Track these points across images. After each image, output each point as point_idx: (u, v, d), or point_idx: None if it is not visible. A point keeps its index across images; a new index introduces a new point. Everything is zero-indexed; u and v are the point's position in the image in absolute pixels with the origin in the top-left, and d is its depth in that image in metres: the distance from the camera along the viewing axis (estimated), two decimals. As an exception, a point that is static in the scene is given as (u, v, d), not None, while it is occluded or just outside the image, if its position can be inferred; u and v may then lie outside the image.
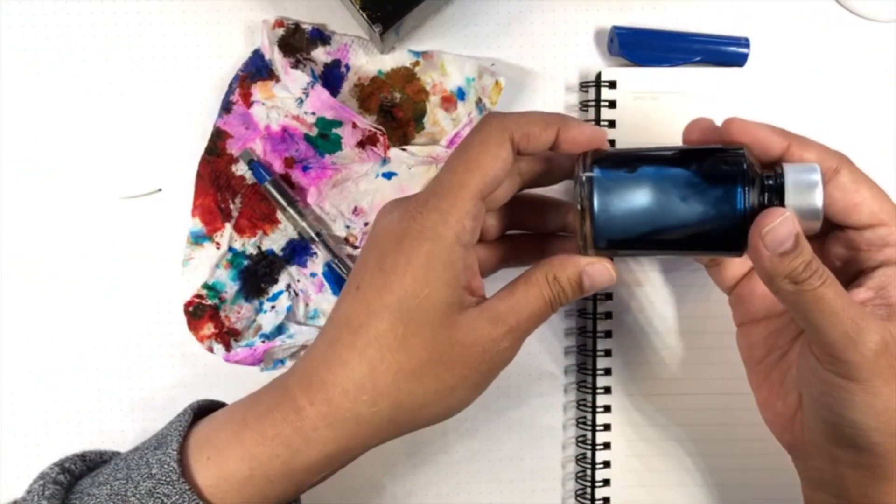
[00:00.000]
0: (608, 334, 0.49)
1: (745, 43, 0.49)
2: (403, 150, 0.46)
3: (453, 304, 0.36)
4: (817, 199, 0.35)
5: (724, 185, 0.36)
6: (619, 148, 0.39)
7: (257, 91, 0.47)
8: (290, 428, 0.36)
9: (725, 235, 0.36)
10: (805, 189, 0.35)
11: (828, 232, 0.40)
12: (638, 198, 0.36)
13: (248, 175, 0.48)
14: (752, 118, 0.49)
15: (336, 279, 0.48)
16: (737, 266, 0.43)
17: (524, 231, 0.44)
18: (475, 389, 0.38)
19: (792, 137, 0.38)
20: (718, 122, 0.49)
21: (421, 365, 0.36)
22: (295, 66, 0.47)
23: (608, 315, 0.49)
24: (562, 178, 0.41)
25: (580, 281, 0.38)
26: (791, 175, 0.36)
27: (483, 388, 0.38)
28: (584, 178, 0.37)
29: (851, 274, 0.39)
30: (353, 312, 0.37)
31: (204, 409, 0.40)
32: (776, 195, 0.36)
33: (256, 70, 0.47)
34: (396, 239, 0.36)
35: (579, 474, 0.50)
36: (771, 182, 0.36)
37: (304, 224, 0.47)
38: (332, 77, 0.48)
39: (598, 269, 0.38)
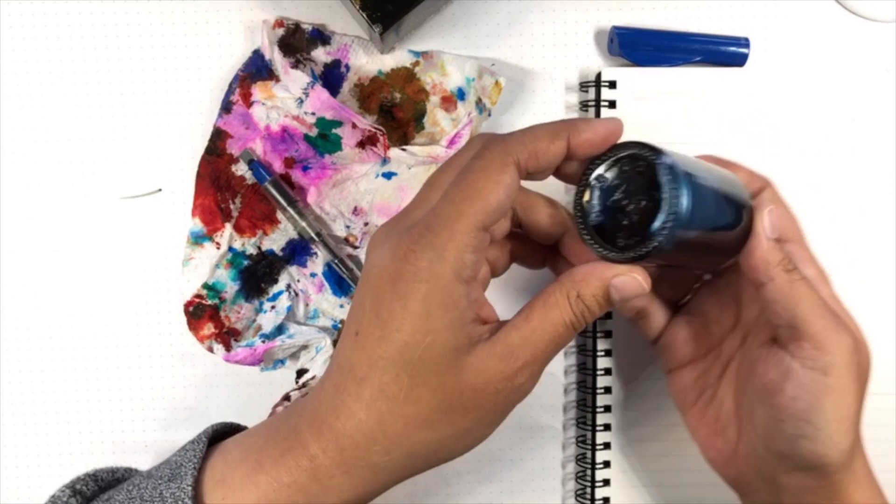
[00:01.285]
0: (608, 334, 0.49)
1: (745, 43, 0.49)
2: (403, 150, 0.46)
3: (459, 348, 0.33)
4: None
5: (740, 204, 0.37)
6: (662, 147, 0.35)
7: (257, 91, 0.47)
8: (306, 475, 0.35)
9: (739, 244, 0.37)
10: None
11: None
12: (706, 209, 0.34)
13: (248, 175, 0.48)
14: (752, 118, 0.49)
15: (336, 279, 0.48)
16: (659, 317, 0.43)
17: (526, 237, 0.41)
18: (492, 427, 0.36)
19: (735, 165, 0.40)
20: (720, 123, 0.49)
21: (430, 413, 0.34)
22: (295, 66, 0.47)
23: (608, 315, 0.49)
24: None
25: (607, 295, 0.35)
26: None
27: (500, 423, 0.36)
28: (662, 167, 0.33)
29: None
30: (356, 361, 0.34)
31: (219, 433, 0.39)
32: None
33: (256, 70, 0.47)
34: (390, 280, 0.33)
35: (579, 474, 0.50)
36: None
37: (304, 224, 0.47)
38: (332, 77, 0.48)
39: (626, 281, 0.35)
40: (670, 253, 0.34)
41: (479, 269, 0.34)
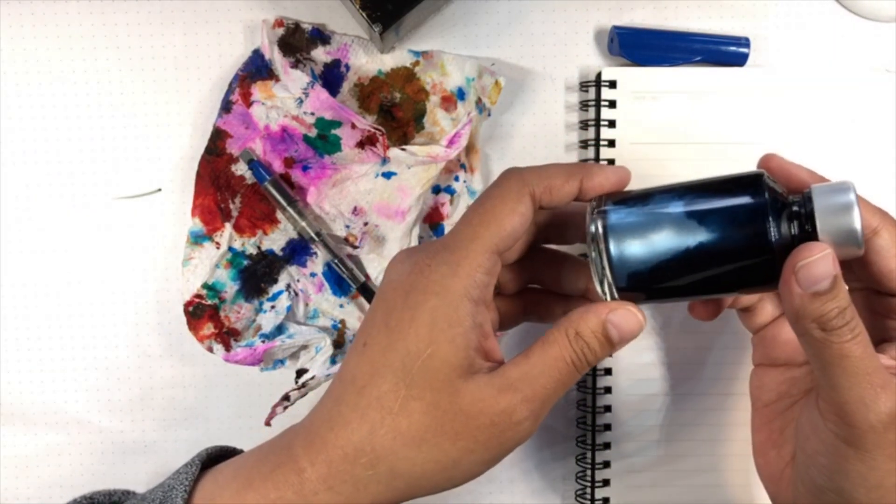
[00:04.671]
0: (608, 334, 0.49)
1: (745, 43, 0.49)
2: (403, 149, 0.46)
3: (459, 367, 0.33)
4: (854, 222, 0.32)
5: (748, 217, 0.33)
6: (631, 189, 0.36)
7: (257, 91, 0.47)
8: (292, 490, 0.34)
9: (754, 271, 0.33)
10: (839, 212, 0.32)
11: (856, 289, 0.38)
12: (658, 240, 0.34)
13: (248, 175, 0.48)
14: (751, 118, 0.49)
15: (336, 279, 0.48)
16: (767, 313, 0.41)
17: (544, 288, 0.42)
18: (482, 465, 0.35)
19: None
20: (720, 123, 0.49)
21: (420, 432, 0.33)
22: (295, 65, 0.47)
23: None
24: (580, 237, 0.38)
25: (605, 331, 0.34)
26: (820, 198, 0.32)
27: (493, 464, 0.35)
28: (597, 225, 0.34)
29: (874, 341, 0.36)
30: (359, 371, 0.35)
31: (213, 457, 0.39)
32: (808, 221, 0.32)
33: (256, 70, 0.47)
34: (404, 293, 0.35)
35: (579, 474, 0.50)
36: (798, 209, 0.33)
37: (303, 224, 0.47)
38: (331, 77, 0.48)
39: (622, 316, 0.34)
40: (649, 297, 0.35)
41: (489, 295, 0.35)
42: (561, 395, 0.35)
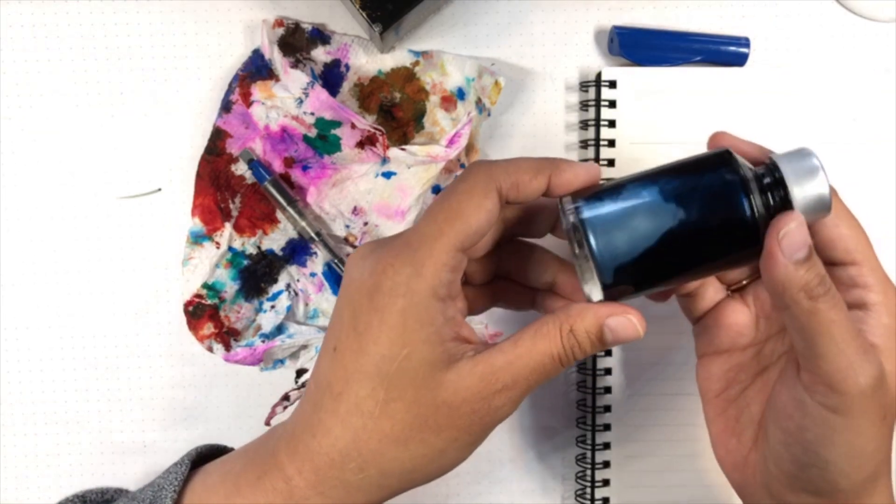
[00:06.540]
0: (608, 334, 0.49)
1: (745, 43, 0.49)
2: (403, 149, 0.46)
3: (436, 363, 0.33)
4: (823, 185, 0.33)
5: (724, 192, 0.33)
6: (601, 183, 0.36)
7: (257, 90, 0.47)
8: (281, 498, 0.35)
9: (736, 243, 0.34)
10: (807, 176, 0.33)
11: None
12: (639, 229, 0.33)
13: (248, 175, 0.48)
14: (752, 118, 0.49)
15: (336, 279, 0.48)
16: (709, 298, 0.40)
17: (512, 280, 0.41)
18: (468, 449, 0.35)
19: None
20: (720, 123, 0.49)
21: (405, 430, 0.34)
22: (295, 65, 0.47)
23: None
24: (549, 230, 0.39)
25: (601, 334, 0.34)
26: (787, 165, 0.33)
27: (477, 446, 0.35)
28: (576, 224, 0.34)
29: None
30: (334, 377, 0.34)
31: (203, 456, 0.39)
32: (778, 189, 0.33)
33: (256, 70, 0.47)
34: (368, 294, 0.34)
35: (579, 474, 0.50)
36: (769, 179, 0.33)
37: (303, 224, 0.47)
38: (331, 77, 0.48)
39: (621, 322, 0.34)
40: (636, 287, 0.34)
41: (456, 289, 0.35)
42: (542, 383, 0.35)
